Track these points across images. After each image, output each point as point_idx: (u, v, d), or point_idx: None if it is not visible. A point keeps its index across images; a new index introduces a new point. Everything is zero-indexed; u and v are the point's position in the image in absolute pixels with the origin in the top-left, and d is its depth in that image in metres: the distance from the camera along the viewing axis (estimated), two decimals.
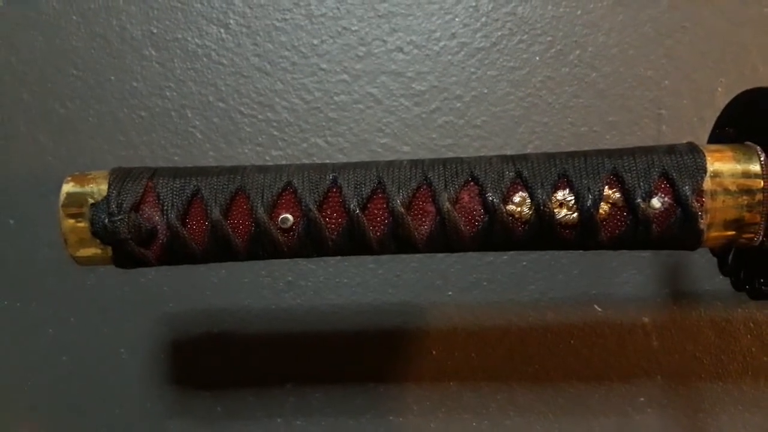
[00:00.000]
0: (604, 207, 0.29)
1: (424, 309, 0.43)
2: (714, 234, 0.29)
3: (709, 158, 0.29)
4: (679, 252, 0.43)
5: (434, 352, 0.43)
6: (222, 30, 0.45)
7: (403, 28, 0.44)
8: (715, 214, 0.29)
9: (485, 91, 0.44)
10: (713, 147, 0.30)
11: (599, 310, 0.43)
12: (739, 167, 0.29)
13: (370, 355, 0.43)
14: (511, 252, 0.43)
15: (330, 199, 0.29)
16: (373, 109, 0.44)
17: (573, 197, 0.29)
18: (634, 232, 0.29)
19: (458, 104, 0.44)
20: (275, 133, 0.44)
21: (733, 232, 0.29)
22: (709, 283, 0.43)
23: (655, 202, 0.28)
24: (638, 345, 0.43)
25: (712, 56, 0.43)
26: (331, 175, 0.29)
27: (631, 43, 0.44)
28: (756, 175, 0.29)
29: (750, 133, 0.31)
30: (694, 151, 0.29)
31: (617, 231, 0.29)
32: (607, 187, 0.29)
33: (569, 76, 0.44)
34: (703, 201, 0.28)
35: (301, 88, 0.44)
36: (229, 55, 0.45)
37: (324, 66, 0.44)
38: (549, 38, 0.44)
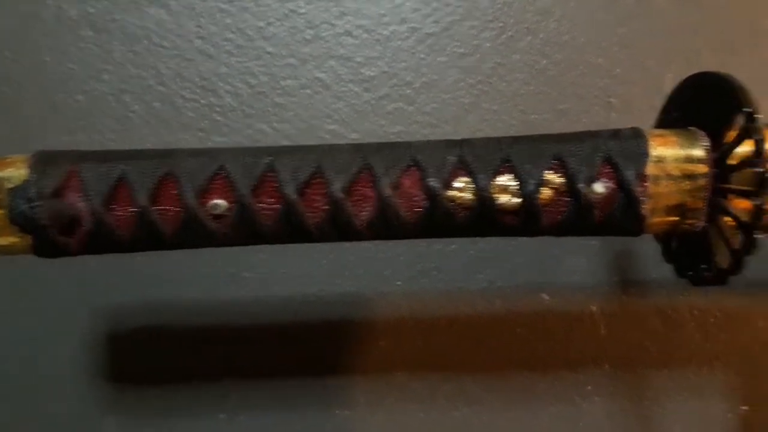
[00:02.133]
0: (546, 192, 0.28)
1: (372, 299, 0.42)
2: (657, 219, 0.29)
3: (652, 143, 0.29)
4: (628, 239, 0.44)
5: (382, 343, 0.42)
6: (163, 11, 0.43)
7: (352, 11, 0.43)
8: (658, 199, 0.28)
9: (435, 77, 0.43)
10: (657, 132, 0.29)
11: (547, 298, 0.43)
12: (682, 152, 0.29)
13: (315, 347, 0.42)
14: (460, 240, 0.43)
15: (265, 184, 0.28)
16: (321, 95, 0.43)
17: (515, 182, 0.28)
18: (576, 217, 0.28)
19: (408, 90, 0.43)
20: (219, 118, 0.43)
21: (676, 218, 0.29)
22: (656, 271, 0.43)
23: (598, 187, 0.28)
24: (586, 333, 0.43)
25: (662, 44, 0.43)
26: (267, 159, 0.28)
27: (583, 31, 0.43)
28: (699, 160, 0.28)
29: (694, 117, 0.31)
30: (637, 135, 0.29)
31: (560, 216, 0.28)
32: (549, 171, 0.28)
33: (520, 63, 0.43)
34: (645, 186, 0.28)
35: (246, 72, 0.43)
36: (171, 38, 0.43)
37: (270, 49, 0.43)
38: (500, 24, 0.43)
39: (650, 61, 0.43)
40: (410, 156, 0.28)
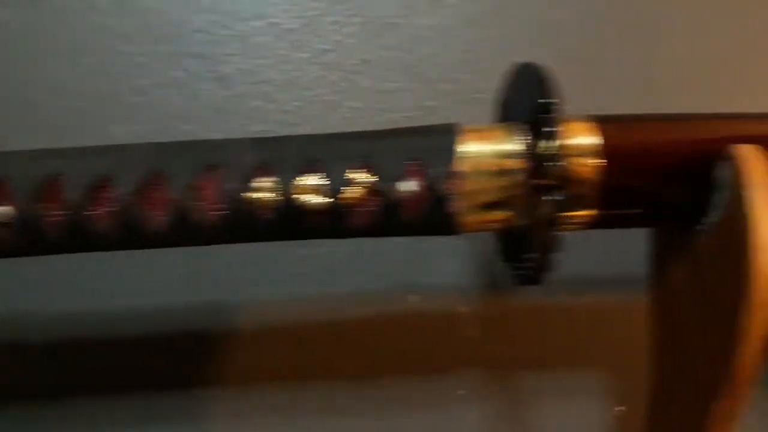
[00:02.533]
0: (353, 191, 0.27)
1: (233, 306, 0.41)
2: (473, 218, 0.28)
3: (467, 138, 0.27)
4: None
5: (244, 352, 0.41)
6: (8, 11, 0.41)
7: (207, 7, 0.42)
8: (474, 196, 0.27)
9: (296, 74, 0.42)
10: (472, 127, 0.28)
11: (416, 300, 0.42)
12: (497, 147, 0.27)
13: (176, 357, 0.40)
14: (325, 243, 0.41)
15: (52, 190, 0.26)
16: (176, 94, 0.41)
17: (322, 181, 0.27)
18: (387, 217, 0.27)
19: (268, 88, 0.41)
20: (72, 121, 0.41)
21: (494, 215, 0.28)
22: None
23: (406, 186, 0.27)
24: (457, 336, 0.42)
25: (529, 36, 0.43)
26: (53, 162, 0.26)
27: (448, 26, 0.42)
28: (515, 155, 0.27)
29: (521, 111, 0.30)
30: (448, 132, 0.28)
31: (370, 216, 0.27)
32: (356, 170, 0.27)
33: (384, 58, 0.42)
34: (455, 183, 0.27)
35: (97, 71, 0.41)
36: (20, 39, 0.41)
37: (123, 48, 0.41)
38: (362, 19, 0.42)
39: (516, 55, 0.42)
40: (210, 155, 0.27)
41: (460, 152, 0.27)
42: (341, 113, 0.42)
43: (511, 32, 0.42)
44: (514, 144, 0.27)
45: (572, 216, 0.27)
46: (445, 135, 0.27)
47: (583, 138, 0.27)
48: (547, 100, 0.25)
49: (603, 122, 0.27)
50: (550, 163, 0.25)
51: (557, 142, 0.25)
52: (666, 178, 0.27)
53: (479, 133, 0.28)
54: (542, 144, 0.26)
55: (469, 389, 0.42)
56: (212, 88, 0.41)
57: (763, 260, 0.25)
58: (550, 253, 0.25)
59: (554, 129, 0.25)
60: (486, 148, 0.27)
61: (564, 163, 0.25)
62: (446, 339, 0.42)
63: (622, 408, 0.42)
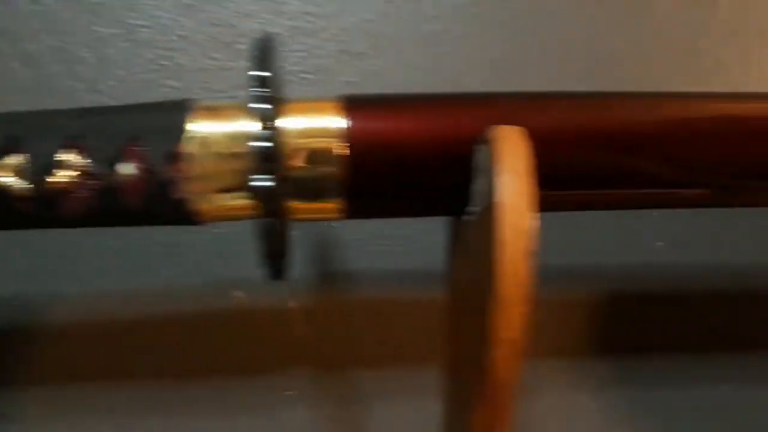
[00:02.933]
0: (62, 174, 0.24)
1: (39, 303, 0.38)
2: (212, 206, 0.25)
3: (198, 116, 0.25)
4: (324, 227, 0.40)
5: (50, 350, 0.38)
6: None
7: None
8: (206, 181, 0.24)
9: (110, 51, 0.39)
10: (206, 104, 0.25)
11: (241, 295, 0.39)
12: (230, 127, 0.25)
13: None
14: (136, 233, 0.38)
15: None
16: None
17: (25, 162, 0.24)
18: (106, 204, 0.24)
19: (80, 67, 0.38)
20: None
21: (234, 203, 0.25)
22: (362, 262, 0.40)
23: (123, 168, 0.24)
24: (285, 333, 0.39)
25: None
26: None
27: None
28: (247, 137, 0.24)
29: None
30: (179, 109, 0.25)
31: (85, 203, 0.24)
32: (66, 150, 0.24)
33: (204, 34, 0.39)
34: (181, 166, 0.24)
35: None
36: None
37: None
38: None
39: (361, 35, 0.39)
40: None
41: (190, 131, 0.24)
42: (161, 92, 0.39)
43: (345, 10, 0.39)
44: (247, 124, 0.25)
45: (313, 206, 0.24)
46: (171, 112, 0.24)
47: (327, 119, 0.24)
48: (261, 74, 0.22)
49: (352, 103, 0.24)
50: (269, 146, 0.22)
51: (276, 123, 0.22)
52: (423, 165, 0.24)
53: (213, 110, 0.25)
54: (265, 124, 0.23)
55: (298, 390, 0.39)
56: (16, 66, 0.38)
57: (509, 255, 0.22)
58: (281, 245, 0.23)
59: (268, 107, 0.22)
60: (219, 127, 0.24)
61: (294, 145, 0.22)
62: (273, 337, 0.39)
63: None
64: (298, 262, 0.39)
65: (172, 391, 0.38)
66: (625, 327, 0.40)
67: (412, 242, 0.39)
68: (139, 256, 0.38)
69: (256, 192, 0.22)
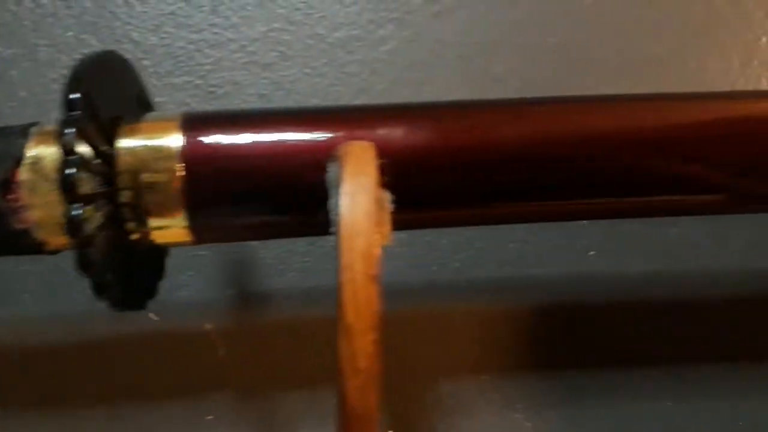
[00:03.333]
0: None
1: None
2: (51, 236, 0.23)
3: (39, 142, 0.23)
4: (244, 248, 0.39)
5: None
6: None
7: None
8: (46, 210, 0.23)
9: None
10: (45, 129, 0.24)
11: (155, 318, 0.38)
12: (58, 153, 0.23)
13: None
14: (51, 258, 0.37)
15: None
16: None
17: None
18: None
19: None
20: None
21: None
22: (280, 281, 0.38)
23: None
24: (202, 356, 0.38)
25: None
26: None
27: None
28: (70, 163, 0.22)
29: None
30: (20, 132, 0.23)
31: None
32: None
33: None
34: (17, 195, 0.23)
35: None
36: None
37: None
38: None
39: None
40: None
41: (28, 158, 0.23)
42: None
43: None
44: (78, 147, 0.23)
45: (159, 229, 0.23)
46: (17, 137, 0.23)
47: (166, 138, 0.23)
48: (70, 96, 0.21)
49: (189, 121, 0.23)
50: (71, 173, 0.21)
51: (87, 146, 0.21)
52: (266, 182, 0.23)
53: (47, 135, 0.23)
54: (66, 150, 0.21)
55: (219, 415, 0.38)
56: None
57: (350, 280, 0.21)
58: (101, 276, 0.21)
59: (70, 131, 0.20)
60: (49, 152, 0.23)
61: (128, 166, 0.21)
62: (191, 360, 0.38)
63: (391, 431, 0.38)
64: (215, 283, 0.38)
65: (88, 419, 0.37)
66: (561, 340, 0.38)
67: (331, 259, 0.38)
68: (54, 278, 0.37)
69: (66, 222, 0.21)
